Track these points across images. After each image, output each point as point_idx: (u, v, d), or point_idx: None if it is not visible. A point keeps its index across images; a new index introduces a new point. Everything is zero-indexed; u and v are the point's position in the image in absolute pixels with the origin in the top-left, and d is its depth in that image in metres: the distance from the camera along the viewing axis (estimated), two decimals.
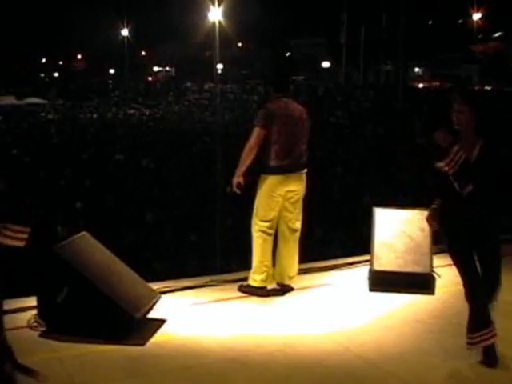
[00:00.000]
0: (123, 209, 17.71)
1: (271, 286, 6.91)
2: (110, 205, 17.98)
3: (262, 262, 6.76)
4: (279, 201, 6.75)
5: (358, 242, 8.43)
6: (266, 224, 6.77)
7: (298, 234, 6.98)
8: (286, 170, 6.68)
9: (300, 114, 6.85)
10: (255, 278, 6.80)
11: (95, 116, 41.63)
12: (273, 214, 6.78)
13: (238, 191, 6.77)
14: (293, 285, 6.99)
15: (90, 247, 5.98)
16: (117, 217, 16.37)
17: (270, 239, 6.86)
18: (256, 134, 6.66)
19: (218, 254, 13.25)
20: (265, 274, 6.78)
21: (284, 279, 6.93)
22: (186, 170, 23.73)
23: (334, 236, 12.64)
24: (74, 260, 5.60)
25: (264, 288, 6.82)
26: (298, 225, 6.97)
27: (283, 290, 6.93)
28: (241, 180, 6.71)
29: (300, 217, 6.98)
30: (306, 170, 6.90)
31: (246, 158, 6.69)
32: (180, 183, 21.39)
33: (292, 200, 6.84)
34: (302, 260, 7.32)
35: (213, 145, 25.78)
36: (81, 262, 5.64)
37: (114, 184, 20.99)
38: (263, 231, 6.78)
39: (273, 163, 6.68)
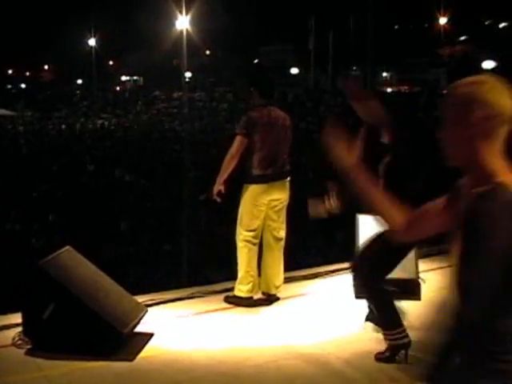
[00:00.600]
0: (97, 219, 17.60)
1: (257, 295, 6.85)
2: (84, 216, 17.86)
3: (248, 272, 6.69)
4: (263, 210, 6.69)
5: (335, 250, 8.40)
6: (251, 233, 6.70)
7: (282, 243, 6.93)
8: (269, 178, 6.62)
9: (283, 122, 6.77)
10: (241, 289, 6.72)
11: (64, 127, 41.36)
12: (257, 223, 6.71)
13: (218, 199, 6.70)
14: (278, 294, 6.93)
15: (74, 262, 5.86)
16: (91, 227, 16.27)
17: (255, 249, 6.79)
18: (238, 142, 6.59)
19: (185, 263, 13.25)
20: (251, 284, 6.71)
21: (270, 289, 6.87)
22: (158, 178, 23.70)
23: (312, 244, 12.64)
24: (60, 275, 5.48)
25: (250, 298, 6.75)
26: (283, 233, 6.91)
27: (269, 299, 6.86)
28: (221, 188, 6.64)
29: (284, 225, 6.93)
30: (289, 178, 6.85)
31: (227, 166, 6.62)
32: (153, 192, 21.34)
33: (276, 209, 6.78)
34: (284, 269, 7.29)
35: (183, 153, 25.82)
36: (66, 277, 5.53)
37: (87, 194, 20.88)
38: (248, 241, 6.71)
39: (256, 172, 6.62)
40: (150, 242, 15.55)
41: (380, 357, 5.31)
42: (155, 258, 13.95)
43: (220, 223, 15.61)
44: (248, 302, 6.70)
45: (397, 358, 5.25)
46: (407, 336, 5.24)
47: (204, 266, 12.93)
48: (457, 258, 2.30)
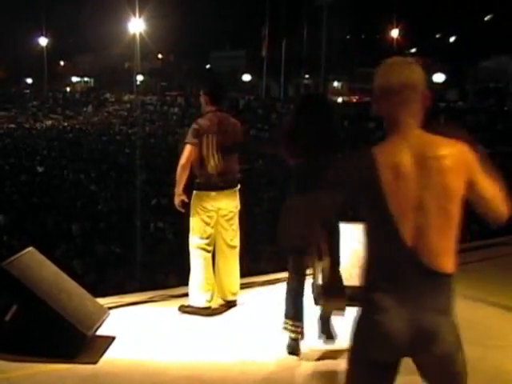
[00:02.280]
0: (48, 221, 17.42)
1: (215, 304, 6.80)
2: (34, 218, 17.66)
3: (207, 280, 6.61)
4: (213, 216, 6.63)
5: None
6: (205, 241, 6.63)
7: (237, 250, 6.88)
8: (217, 187, 6.58)
9: (233, 130, 6.72)
10: (199, 299, 6.64)
11: (13, 127, 40.87)
12: (209, 231, 6.65)
13: (181, 210, 6.67)
14: (237, 300, 6.92)
15: (37, 263, 5.80)
16: (42, 229, 16.10)
17: (209, 256, 6.72)
18: (186, 152, 6.52)
19: (138, 266, 13.19)
20: (210, 293, 6.60)
21: (227, 296, 6.84)
22: (109, 181, 23.56)
23: (263, 250, 12.67)
24: (23, 276, 5.40)
25: (209, 308, 6.68)
26: (236, 241, 6.85)
27: (228, 305, 6.84)
28: (182, 197, 6.60)
29: (237, 233, 6.87)
30: (238, 187, 6.82)
31: (180, 177, 6.56)
32: (104, 195, 21.20)
33: (226, 218, 6.72)
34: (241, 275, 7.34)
35: (133, 156, 25.71)
36: (30, 278, 5.45)
37: (38, 196, 20.66)
38: (203, 248, 6.62)
39: (204, 179, 6.59)
40: (101, 245, 15.43)
41: None
42: (107, 261, 13.85)
43: (171, 227, 15.61)
44: (206, 312, 6.61)
45: None
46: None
47: (156, 270, 12.88)
48: None
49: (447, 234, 2.73)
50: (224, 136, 6.57)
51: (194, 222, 6.64)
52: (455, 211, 2.73)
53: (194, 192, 6.66)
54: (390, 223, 2.69)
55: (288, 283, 5.70)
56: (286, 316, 5.59)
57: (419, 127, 2.84)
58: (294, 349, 5.56)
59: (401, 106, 2.82)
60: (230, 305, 6.84)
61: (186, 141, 6.56)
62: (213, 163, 6.51)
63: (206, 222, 6.61)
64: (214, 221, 6.65)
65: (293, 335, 5.56)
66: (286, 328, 5.58)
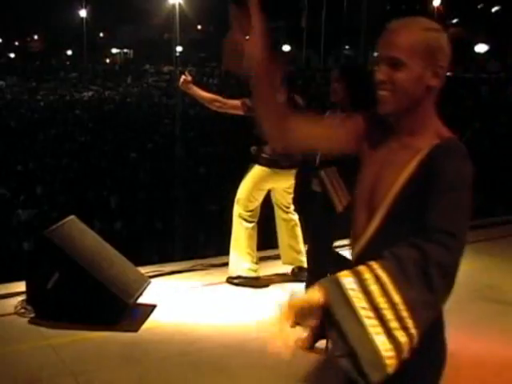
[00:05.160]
0: (87, 192, 17.56)
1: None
2: (75, 189, 17.81)
3: (250, 249, 6.55)
4: (263, 193, 6.54)
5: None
6: (248, 213, 6.56)
7: (294, 217, 6.82)
8: (279, 165, 6.36)
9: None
10: (249, 268, 6.55)
11: (53, 98, 41.15)
12: (255, 205, 6.51)
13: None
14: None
15: (79, 232, 5.84)
16: (82, 201, 16.22)
17: (252, 227, 6.57)
18: (238, 106, 6.16)
19: (178, 238, 13.24)
20: (254, 262, 6.56)
21: (295, 262, 6.78)
22: (148, 153, 23.64)
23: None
24: (65, 245, 5.46)
25: (258, 278, 6.60)
26: (292, 209, 6.80)
27: (294, 273, 6.73)
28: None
29: (292, 209, 6.80)
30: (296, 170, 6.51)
31: (206, 97, 6.28)
32: (144, 166, 21.28)
33: (282, 194, 6.66)
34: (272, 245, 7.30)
35: (173, 127, 25.74)
36: (72, 246, 5.50)
37: (78, 168, 20.82)
38: (245, 219, 6.47)
39: (268, 155, 6.34)
40: (141, 216, 15.54)
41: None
42: (147, 232, 13.95)
43: (212, 199, 15.65)
44: (258, 283, 6.57)
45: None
46: None
47: (196, 240, 12.93)
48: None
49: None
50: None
51: (243, 195, 6.50)
52: None
53: (256, 166, 6.47)
54: None
55: None
56: None
57: None
58: None
59: None
60: (296, 273, 6.72)
61: (245, 100, 6.06)
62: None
63: (255, 198, 6.50)
64: (263, 196, 6.56)
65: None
66: None
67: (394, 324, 1.91)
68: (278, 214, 6.78)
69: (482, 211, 11.36)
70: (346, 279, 1.96)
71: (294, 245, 6.74)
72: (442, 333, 2.31)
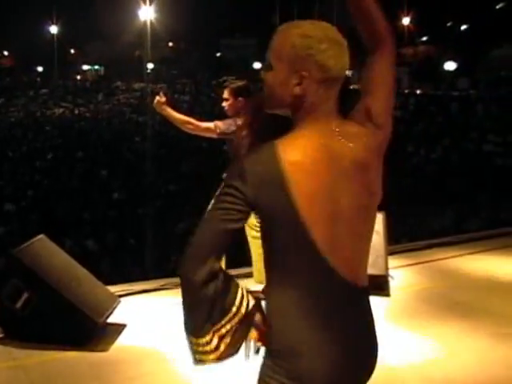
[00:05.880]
0: (59, 208, 17.46)
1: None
2: (43, 206, 17.71)
3: None
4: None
5: None
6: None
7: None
8: None
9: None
10: None
11: (24, 115, 40.93)
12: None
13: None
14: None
15: (48, 251, 5.81)
16: (50, 218, 16.13)
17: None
18: (204, 126, 6.21)
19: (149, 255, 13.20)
20: None
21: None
22: (119, 169, 23.58)
23: None
24: (34, 264, 5.42)
25: None
26: None
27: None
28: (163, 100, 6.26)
29: None
30: None
31: (182, 119, 6.29)
32: (114, 183, 21.22)
33: None
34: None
35: (144, 144, 25.67)
36: (41, 266, 5.46)
37: (48, 185, 20.71)
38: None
39: None
40: (113, 233, 15.47)
41: None
42: (119, 250, 13.90)
43: (184, 216, 15.62)
44: None
45: None
46: None
47: (167, 259, 12.89)
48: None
49: (365, 242, 2.26)
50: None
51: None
52: (373, 219, 2.29)
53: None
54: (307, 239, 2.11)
55: None
56: None
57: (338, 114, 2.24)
58: None
59: (334, 94, 2.21)
60: None
61: (218, 122, 6.15)
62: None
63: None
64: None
65: None
66: None
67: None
68: (249, 232, 6.76)
69: (452, 227, 11.46)
70: None
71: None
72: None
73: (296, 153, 2.10)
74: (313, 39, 2.12)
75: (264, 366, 2.20)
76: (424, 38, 57.46)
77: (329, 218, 2.12)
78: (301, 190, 2.08)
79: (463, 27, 55.79)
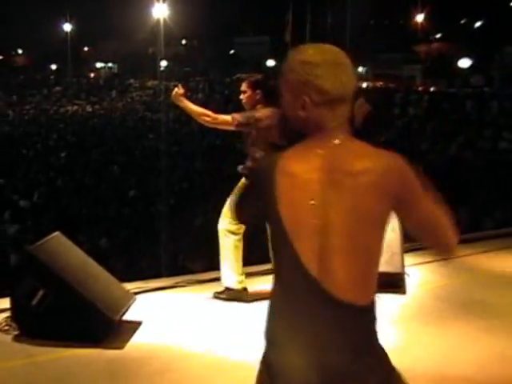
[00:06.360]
0: (73, 206, 17.48)
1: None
2: (58, 203, 17.74)
3: (238, 263, 6.56)
4: None
5: None
6: (236, 226, 6.50)
7: None
8: None
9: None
10: (234, 280, 6.51)
11: (38, 113, 41.05)
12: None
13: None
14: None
15: (64, 248, 5.81)
16: (66, 216, 16.14)
17: (238, 239, 6.55)
18: (226, 118, 6.21)
19: (163, 252, 13.17)
20: (243, 275, 6.59)
21: None
22: (132, 167, 23.60)
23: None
24: (50, 261, 5.41)
25: (245, 290, 6.56)
26: None
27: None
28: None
29: None
30: None
31: (197, 110, 6.29)
32: (128, 180, 21.23)
33: None
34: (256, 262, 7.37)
35: (157, 142, 25.70)
36: (56, 263, 5.46)
37: (62, 183, 20.75)
38: (232, 232, 6.45)
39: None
40: (127, 231, 15.46)
41: None
42: (134, 247, 13.86)
43: (198, 213, 15.60)
44: (245, 296, 6.50)
45: None
46: None
47: (183, 256, 12.88)
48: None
49: (358, 260, 2.23)
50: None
51: (229, 207, 6.48)
52: (371, 237, 2.26)
53: (243, 179, 6.39)
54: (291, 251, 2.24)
55: None
56: None
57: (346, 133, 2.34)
58: None
59: (342, 114, 2.34)
60: None
61: (234, 115, 6.21)
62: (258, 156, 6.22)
63: None
64: None
65: None
66: None
67: None
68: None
69: (468, 225, 11.39)
70: None
71: None
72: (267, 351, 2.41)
73: (292, 164, 2.27)
74: (311, 65, 2.27)
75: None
76: (438, 35, 57.26)
77: (315, 230, 2.22)
78: (287, 201, 2.24)
79: (477, 24, 55.57)
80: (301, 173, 2.24)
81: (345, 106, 2.32)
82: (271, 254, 2.37)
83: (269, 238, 2.37)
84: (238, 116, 6.17)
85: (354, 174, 2.21)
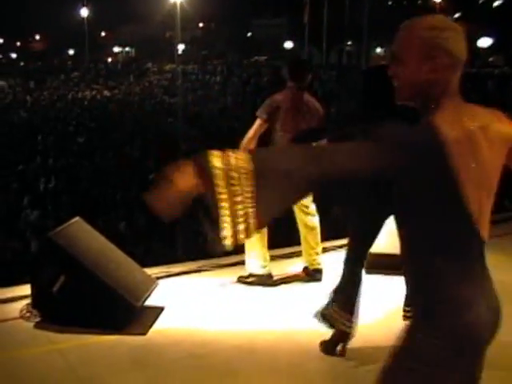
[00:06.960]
0: (92, 191, 17.46)
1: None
2: (78, 188, 17.73)
3: (261, 248, 6.51)
4: None
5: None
6: None
7: (311, 218, 6.72)
8: None
9: (309, 109, 6.40)
10: (258, 266, 6.51)
11: (56, 98, 41.07)
12: None
13: None
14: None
15: (84, 233, 5.73)
16: (86, 201, 16.12)
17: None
18: (256, 125, 6.33)
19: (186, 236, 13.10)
20: (266, 260, 6.56)
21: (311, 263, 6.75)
22: (151, 151, 23.53)
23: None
24: (71, 247, 5.34)
25: (270, 276, 6.57)
26: (312, 208, 6.71)
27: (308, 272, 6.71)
28: None
29: (310, 210, 6.71)
30: None
31: (246, 148, 6.39)
32: (148, 165, 21.18)
33: None
34: (281, 244, 7.30)
35: (176, 124, 25.58)
36: (77, 249, 5.39)
37: (81, 168, 20.72)
38: None
39: None
40: (146, 217, 15.41)
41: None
42: (153, 232, 13.81)
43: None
44: (269, 280, 6.51)
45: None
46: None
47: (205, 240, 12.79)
48: None
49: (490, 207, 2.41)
50: (299, 114, 6.34)
51: None
52: (496, 185, 2.44)
53: None
54: (463, 207, 2.29)
55: None
56: None
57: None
58: None
59: (457, 77, 2.41)
60: (310, 273, 6.66)
61: (258, 114, 6.36)
62: (285, 140, 6.22)
63: None
64: None
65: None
66: None
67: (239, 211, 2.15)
68: (298, 215, 6.68)
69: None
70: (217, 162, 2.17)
71: (312, 245, 6.66)
72: (457, 317, 2.32)
73: (450, 129, 2.27)
74: (439, 29, 2.35)
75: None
76: (457, 15, 56.73)
77: (478, 186, 2.32)
78: (460, 163, 2.26)
79: (496, 3, 54.96)
80: (462, 136, 2.30)
81: (460, 72, 2.41)
82: (418, 225, 2.34)
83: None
84: (260, 113, 6.34)
85: (489, 130, 2.37)
